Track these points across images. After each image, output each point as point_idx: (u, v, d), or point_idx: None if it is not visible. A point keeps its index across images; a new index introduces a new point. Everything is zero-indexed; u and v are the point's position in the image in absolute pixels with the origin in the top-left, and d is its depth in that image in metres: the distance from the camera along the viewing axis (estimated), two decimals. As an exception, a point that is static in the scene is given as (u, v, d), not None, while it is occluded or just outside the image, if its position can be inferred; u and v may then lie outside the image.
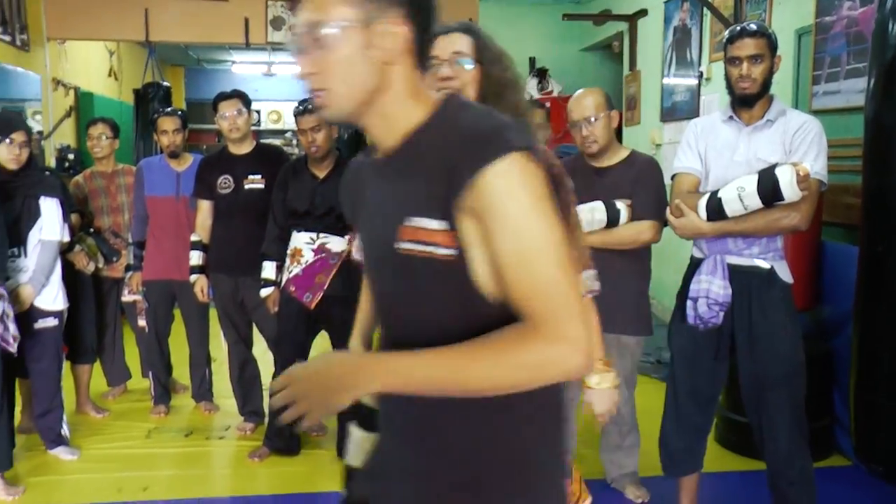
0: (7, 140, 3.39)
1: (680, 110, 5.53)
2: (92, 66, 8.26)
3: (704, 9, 4.99)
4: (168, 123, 4.15)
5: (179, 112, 4.26)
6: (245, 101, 3.85)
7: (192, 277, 3.95)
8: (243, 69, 11.52)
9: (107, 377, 4.74)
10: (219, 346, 4.48)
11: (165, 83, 7.54)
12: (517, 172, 1.11)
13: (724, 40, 2.70)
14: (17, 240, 3.43)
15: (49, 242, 3.53)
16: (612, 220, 2.89)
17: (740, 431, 3.49)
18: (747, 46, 2.58)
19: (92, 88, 8.03)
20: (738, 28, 2.68)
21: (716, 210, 2.57)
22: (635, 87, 6.37)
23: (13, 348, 3.29)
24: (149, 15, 7.03)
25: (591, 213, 2.90)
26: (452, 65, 1.78)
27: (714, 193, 2.59)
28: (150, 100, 7.31)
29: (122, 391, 4.81)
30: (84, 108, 7.57)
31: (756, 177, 2.49)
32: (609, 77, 7.49)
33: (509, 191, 1.10)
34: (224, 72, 11.80)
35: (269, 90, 11.31)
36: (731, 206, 2.54)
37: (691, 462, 2.92)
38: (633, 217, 2.91)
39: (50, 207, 3.52)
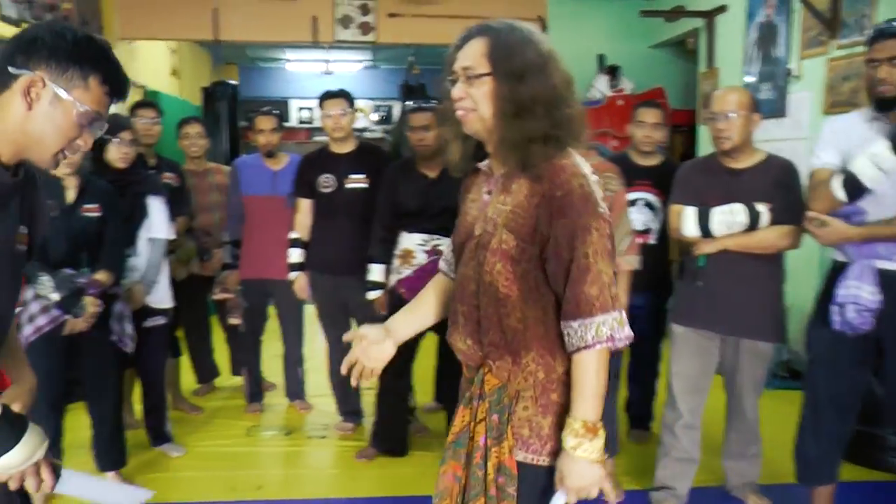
0: (116, 139, 3.42)
1: (764, 109, 5.40)
2: (156, 65, 8.32)
3: (793, 3, 4.91)
4: (265, 123, 4.16)
5: (276, 112, 4.27)
6: (350, 101, 3.84)
7: (292, 275, 3.95)
8: (298, 67, 11.57)
9: (196, 374, 4.78)
10: (308, 345, 4.49)
11: (233, 82, 7.59)
12: None
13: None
14: (129, 239, 3.45)
15: (158, 241, 3.56)
16: (753, 223, 2.83)
17: (864, 443, 3.45)
18: (887, 48, 2.52)
19: (157, 87, 8.10)
20: (878, 29, 2.62)
21: (852, 184, 2.50)
22: (712, 85, 6.28)
23: (130, 348, 3.32)
24: (217, 15, 7.07)
25: (731, 215, 2.85)
26: (464, 82, 1.62)
27: (845, 170, 2.53)
28: (217, 98, 7.37)
29: (211, 389, 4.85)
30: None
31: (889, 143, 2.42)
32: (681, 75, 7.40)
33: None
34: (278, 70, 11.86)
35: (326, 88, 11.35)
36: (867, 174, 2.46)
37: (828, 472, 2.86)
38: (773, 221, 2.84)
39: (156, 206, 3.55)
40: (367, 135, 11.59)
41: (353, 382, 1.83)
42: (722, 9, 5.97)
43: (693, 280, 2.98)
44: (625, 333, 1.58)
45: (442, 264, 1.95)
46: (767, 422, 3.42)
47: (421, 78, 8.32)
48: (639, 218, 3.59)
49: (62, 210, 3.11)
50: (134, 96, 7.39)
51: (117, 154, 3.43)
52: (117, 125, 3.49)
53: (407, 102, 3.54)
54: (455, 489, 1.71)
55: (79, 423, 3.51)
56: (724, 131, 2.87)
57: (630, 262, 3.10)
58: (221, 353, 4.86)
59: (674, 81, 7.29)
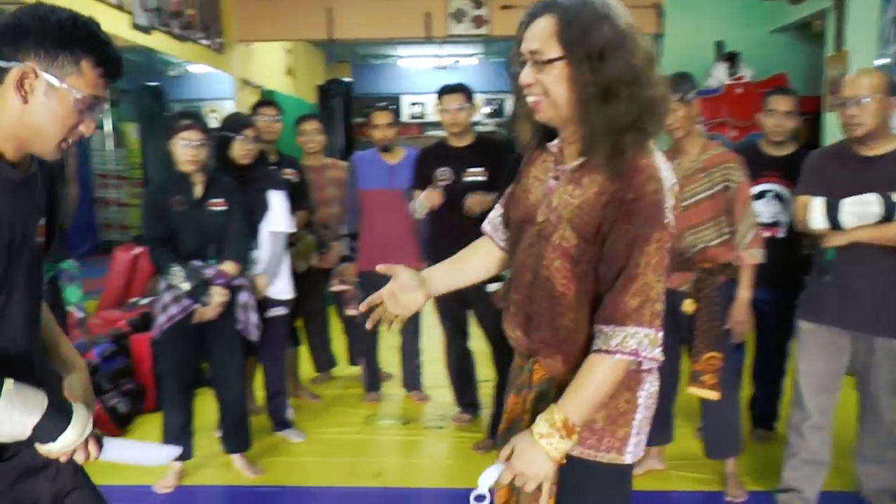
0: (240, 137, 3.54)
1: (901, 92, 5.12)
2: (272, 65, 8.60)
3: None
4: (381, 118, 4.22)
5: (392, 107, 4.33)
6: (468, 95, 3.85)
7: None
8: (409, 63, 11.72)
9: (315, 364, 4.91)
10: (426, 337, 4.54)
11: (347, 79, 7.76)
12: None
13: None
14: (252, 232, 3.57)
15: (278, 234, 3.66)
16: (888, 214, 2.65)
17: None
18: None
19: (273, 86, 8.37)
20: None
21: None
22: (840, 70, 5.97)
23: (255, 336, 3.45)
24: (332, 15, 7.24)
25: (864, 206, 2.67)
26: (532, 66, 1.50)
27: None
28: (333, 96, 7.55)
29: (328, 378, 4.97)
30: (267, 106, 7.93)
31: None
32: (804, 60, 7.07)
33: None
34: (390, 66, 12.04)
35: (438, 83, 11.47)
36: None
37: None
38: None
39: (278, 200, 3.65)
40: (479, 128, 11.64)
41: (369, 325, 1.74)
42: (855, -13, 5.67)
43: (821, 274, 2.83)
44: (653, 354, 1.49)
45: (488, 227, 1.86)
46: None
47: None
48: (766, 210, 3.46)
49: (190, 205, 3.26)
50: (251, 96, 7.69)
51: (241, 151, 3.55)
52: (240, 123, 3.63)
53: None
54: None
55: (205, 408, 3.67)
56: (856, 117, 2.70)
57: (753, 255, 3.00)
58: (339, 343, 4.98)
59: (797, 67, 6.97)
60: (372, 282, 4.26)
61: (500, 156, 3.77)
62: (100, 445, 1.57)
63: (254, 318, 3.44)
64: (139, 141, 7.10)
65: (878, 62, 5.33)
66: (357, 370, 4.77)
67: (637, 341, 1.46)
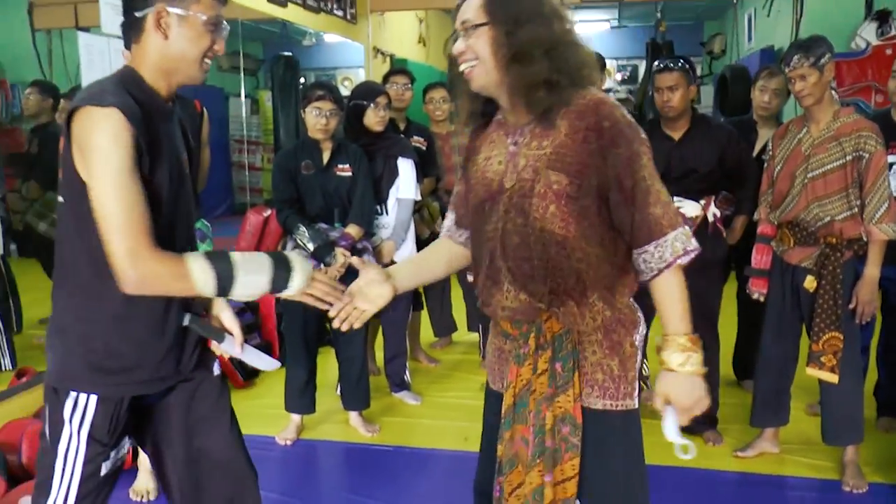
0: (373, 104, 3.63)
1: None
2: (404, 34, 8.70)
3: None
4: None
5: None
6: (601, 64, 3.78)
7: None
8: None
9: (434, 328, 5.01)
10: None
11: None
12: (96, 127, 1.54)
13: None
14: (379, 198, 3.68)
15: (406, 201, 3.75)
16: None
17: None
18: None
19: (404, 55, 8.47)
20: None
21: None
22: None
23: (379, 300, 3.55)
24: (464, -20, 7.23)
25: None
26: (464, 36, 1.62)
27: None
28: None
29: (448, 343, 5.07)
30: (396, 74, 8.04)
31: None
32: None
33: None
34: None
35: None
36: None
37: None
38: None
39: (406, 168, 3.73)
40: (612, 95, 11.39)
41: (337, 324, 1.77)
42: None
43: None
44: (693, 245, 1.59)
45: (445, 233, 1.92)
46: None
47: (668, 35, 8.01)
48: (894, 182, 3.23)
49: (318, 170, 3.39)
50: (383, 64, 7.82)
51: (374, 118, 3.64)
52: (373, 91, 3.71)
53: (655, 62, 3.38)
54: (525, 454, 1.65)
55: (326, 366, 3.82)
56: None
57: (885, 230, 2.81)
58: (459, 309, 5.06)
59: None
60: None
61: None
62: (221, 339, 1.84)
63: (376, 280, 3.54)
64: (273, 108, 7.37)
65: None
66: (476, 336, 4.84)
67: (681, 242, 1.57)
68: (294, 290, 1.69)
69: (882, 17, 6.43)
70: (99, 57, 3.75)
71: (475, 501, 1.92)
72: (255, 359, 1.96)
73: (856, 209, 2.85)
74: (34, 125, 4.39)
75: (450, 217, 1.90)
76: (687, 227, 1.60)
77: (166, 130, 1.70)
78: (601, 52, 3.94)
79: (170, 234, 1.67)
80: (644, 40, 8.74)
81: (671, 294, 1.60)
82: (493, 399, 1.84)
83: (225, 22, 1.72)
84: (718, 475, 3.18)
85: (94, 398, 1.69)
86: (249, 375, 4.26)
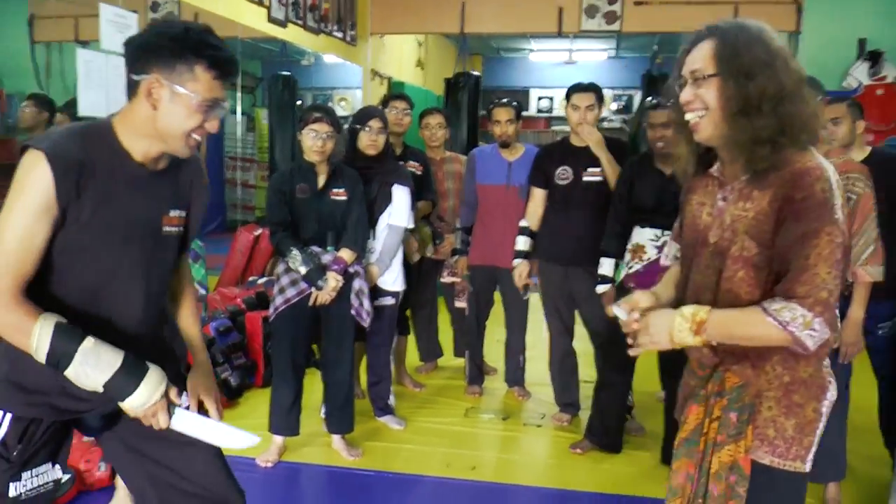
0: (366, 128, 3.65)
1: None
2: (403, 57, 8.76)
3: None
4: (502, 114, 4.23)
5: (514, 103, 4.33)
6: (599, 95, 3.82)
7: (516, 262, 4.02)
8: (540, 57, 11.68)
9: (420, 353, 5.01)
10: (531, 334, 4.54)
11: (475, 73, 7.81)
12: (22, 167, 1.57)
13: None
14: (370, 223, 3.68)
15: (396, 228, 3.75)
16: None
17: None
18: None
19: (402, 78, 8.53)
20: None
21: None
22: None
23: (367, 322, 3.55)
24: (465, 8, 7.31)
25: None
26: (693, 85, 1.63)
27: None
28: (460, 88, 7.62)
29: (434, 367, 5.06)
30: (394, 97, 8.09)
31: None
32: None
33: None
34: (521, 60, 12.04)
35: (568, 78, 11.39)
36: None
37: None
38: None
39: (401, 195, 3.73)
40: (605, 124, 11.46)
41: (634, 352, 1.76)
42: None
43: None
44: (800, 333, 1.51)
45: (667, 261, 2.02)
46: None
47: (665, 68, 8.07)
48: None
49: (313, 193, 3.40)
50: (380, 86, 7.87)
51: (367, 141, 3.65)
52: (366, 115, 3.73)
53: (648, 98, 3.42)
54: (688, 488, 1.72)
55: (311, 388, 3.79)
56: None
57: (871, 273, 2.83)
58: (446, 334, 5.06)
59: (950, 68, 6.51)
60: (482, 276, 4.36)
61: (621, 157, 3.74)
62: (171, 415, 1.71)
63: (367, 304, 3.55)
64: (269, 127, 7.39)
65: None
66: (462, 362, 4.83)
67: (791, 316, 1.52)
68: (128, 405, 1.63)
69: (874, 58, 6.53)
70: (96, 73, 3.77)
71: None
72: (223, 435, 1.84)
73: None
74: (28, 138, 4.39)
75: (675, 247, 1.99)
76: (814, 318, 1.52)
77: (123, 190, 1.65)
78: (598, 81, 3.99)
79: (94, 292, 1.67)
80: (640, 71, 8.80)
81: (743, 317, 1.59)
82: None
83: (224, 104, 1.68)
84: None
85: (9, 415, 1.68)
86: (232, 395, 4.24)
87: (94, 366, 1.57)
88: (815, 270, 1.51)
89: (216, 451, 1.91)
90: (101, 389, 1.60)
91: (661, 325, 1.64)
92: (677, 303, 1.78)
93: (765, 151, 1.56)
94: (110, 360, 1.59)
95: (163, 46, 1.60)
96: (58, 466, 1.79)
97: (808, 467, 1.66)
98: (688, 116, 1.64)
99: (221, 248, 6.28)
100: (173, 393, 1.71)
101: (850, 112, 3.14)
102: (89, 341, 1.57)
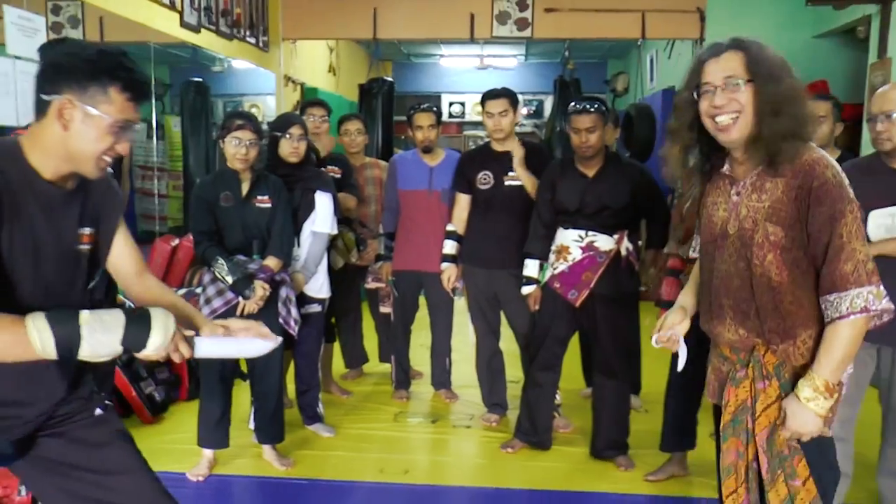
0: (286, 135, 3.62)
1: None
2: (315, 63, 8.70)
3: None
4: (424, 119, 4.27)
5: (435, 108, 4.37)
6: (513, 101, 3.89)
7: (443, 266, 4.07)
8: (451, 62, 11.77)
9: (345, 359, 5.00)
10: (457, 337, 4.59)
11: (388, 79, 7.83)
12: None
13: None
14: (296, 230, 3.65)
15: (320, 234, 3.74)
16: (917, 228, 2.67)
17: None
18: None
19: (315, 84, 8.47)
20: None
21: None
22: (883, 77, 5.91)
23: (294, 330, 3.53)
24: (377, 14, 7.32)
25: (892, 219, 2.70)
26: (725, 90, 1.81)
27: None
28: (374, 95, 7.62)
29: (360, 374, 5.06)
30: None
31: None
32: (846, 66, 7.00)
33: None
34: (432, 65, 12.10)
35: (479, 83, 11.50)
36: None
37: None
38: None
39: (324, 202, 3.72)
40: (518, 129, 11.62)
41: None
42: (900, -7, 5.60)
43: None
44: (881, 305, 1.71)
45: (697, 252, 2.15)
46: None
47: (576, 73, 8.27)
48: None
49: (237, 201, 3.35)
50: (293, 92, 7.80)
51: (288, 149, 3.63)
52: (287, 122, 3.71)
53: (571, 103, 3.51)
54: (741, 465, 1.89)
55: (238, 401, 3.73)
56: (883, 133, 2.71)
57: None
58: (371, 340, 5.06)
59: (840, 73, 6.91)
60: (407, 281, 4.39)
61: (542, 162, 3.82)
62: (191, 345, 1.69)
63: (294, 312, 3.52)
64: (182, 134, 7.21)
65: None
66: (387, 367, 4.85)
67: (863, 299, 1.70)
68: (151, 349, 1.60)
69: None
70: (3, 78, 3.62)
71: None
72: (247, 346, 1.85)
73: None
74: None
75: (699, 239, 2.12)
76: (878, 288, 1.71)
77: (35, 210, 1.63)
78: (510, 86, 4.07)
79: (28, 308, 1.59)
80: (550, 76, 8.99)
81: (834, 341, 1.75)
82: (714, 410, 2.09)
83: (136, 126, 1.68)
84: (631, 498, 3.30)
85: None
86: (157, 411, 4.14)
87: (103, 331, 1.53)
88: (853, 246, 1.72)
89: (149, 473, 1.89)
90: (120, 348, 1.56)
91: (808, 419, 1.78)
92: (697, 297, 2.04)
93: (789, 146, 1.76)
94: (114, 319, 1.56)
95: (76, 67, 1.59)
96: None
97: (831, 432, 1.86)
98: (721, 119, 1.81)
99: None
100: (182, 329, 1.68)
101: (833, 112, 3.32)
102: (85, 314, 1.53)
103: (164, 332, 1.59)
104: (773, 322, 1.84)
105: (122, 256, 1.91)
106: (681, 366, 2.01)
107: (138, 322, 1.57)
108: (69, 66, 1.60)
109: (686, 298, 2.14)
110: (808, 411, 1.77)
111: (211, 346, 1.77)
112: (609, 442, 3.60)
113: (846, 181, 1.77)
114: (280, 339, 1.86)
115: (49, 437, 1.81)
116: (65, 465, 1.80)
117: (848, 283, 1.71)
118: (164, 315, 1.61)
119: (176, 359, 1.65)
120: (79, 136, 1.61)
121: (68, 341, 1.50)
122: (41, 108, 1.62)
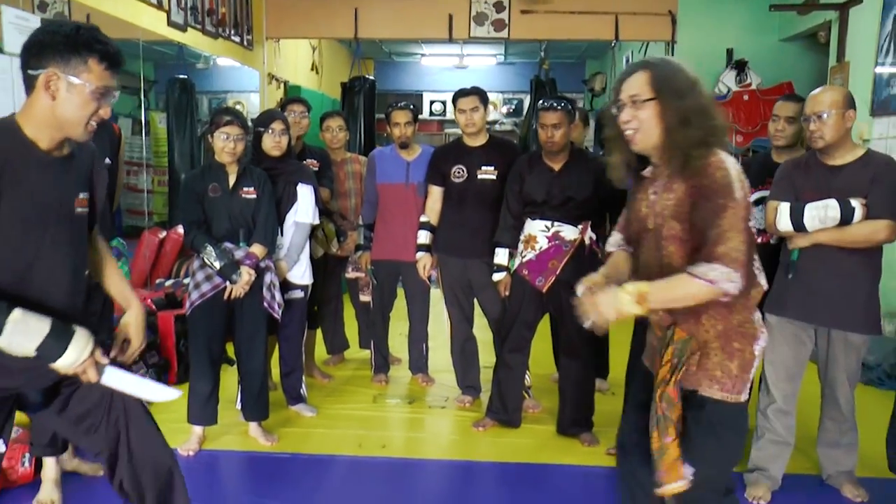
0: (269, 130, 3.84)
1: (896, 105, 5.35)
2: (298, 61, 8.89)
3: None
4: (400, 116, 4.49)
5: (412, 106, 4.59)
6: (483, 98, 4.12)
7: (418, 255, 4.30)
8: (432, 62, 11.98)
9: (327, 346, 5.21)
10: (433, 324, 4.82)
11: (370, 77, 8.04)
12: None
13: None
14: (279, 220, 3.86)
15: (303, 224, 3.95)
16: (846, 218, 2.90)
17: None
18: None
19: (298, 82, 8.65)
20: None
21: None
22: (842, 79, 6.20)
23: (278, 314, 3.75)
24: (358, 14, 7.53)
25: (825, 210, 2.94)
26: (631, 107, 2.03)
27: None
28: (356, 93, 7.84)
29: (341, 360, 5.28)
30: (291, 100, 8.21)
31: None
32: (810, 69, 7.30)
33: None
34: (413, 64, 12.31)
35: (459, 82, 11.70)
36: None
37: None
38: (869, 216, 2.91)
39: (305, 193, 3.94)
40: (497, 127, 11.87)
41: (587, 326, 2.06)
42: (856, 0, 5.89)
43: (786, 273, 3.11)
44: (726, 287, 1.89)
45: (617, 247, 2.36)
46: (870, 418, 3.48)
47: (552, 72, 8.52)
48: (762, 217, 3.52)
49: (224, 192, 3.57)
50: (277, 90, 7.99)
51: (270, 143, 3.85)
52: (269, 117, 3.92)
53: (540, 101, 3.76)
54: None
55: (225, 383, 3.94)
56: (816, 132, 2.98)
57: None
58: (352, 328, 5.28)
59: (804, 75, 7.20)
60: (385, 270, 4.61)
61: (510, 156, 4.06)
62: (100, 371, 1.93)
63: (278, 296, 3.74)
64: (167, 130, 7.37)
65: (877, 71, 5.57)
66: (367, 354, 5.06)
67: (716, 275, 1.89)
68: (61, 364, 1.84)
69: (739, 67, 7.15)
70: (2, 75, 3.80)
71: (617, 452, 2.43)
72: (148, 389, 2.06)
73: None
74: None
75: (619, 236, 2.35)
76: (734, 272, 1.89)
77: (35, 176, 1.85)
78: (488, 85, 4.30)
79: (23, 272, 1.86)
80: (529, 76, 9.23)
81: (674, 282, 1.96)
82: (640, 374, 2.33)
83: (114, 92, 1.90)
84: (594, 470, 3.55)
85: None
86: (148, 391, 4.33)
87: (23, 333, 1.78)
88: (728, 236, 1.90)
89: (147, 415, 2.16)
90: (33, 354, 1.80)
91: (608, 302, 1.98)
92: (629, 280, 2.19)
93: (696, 153, 1.97)
94: (38, 328, 1.80)
95: (58, 43, 1.81)
96: (1, 440, 1.96)
97: (744, 397, 2.07)
98: (627, 132, 2.05)
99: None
100: (98, 353, 1.92)
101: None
102: (17, 312, 1.77)
103: (79, 353, 1.85)
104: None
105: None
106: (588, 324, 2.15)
107: (59, 338, 1.82)
108: (51, 42, 1.82)
109: (606, 269, 2.31)
110: (615, 299, 1.96)
111: (117, 377, 1.98)
112: (573, 419, 3.85)
113: (736, 182, 1.94)
114: (178, 392, 2.12)
115: (67, 387, 2.05)
116: (83, 412, 2.06)
117: (714, 258, 1.90)
118: (86, 339, 1.87)
119: (83, 380, 1.91)
120: (65, 103, 1.83)
121: None
122: (30, 83, 1.85)
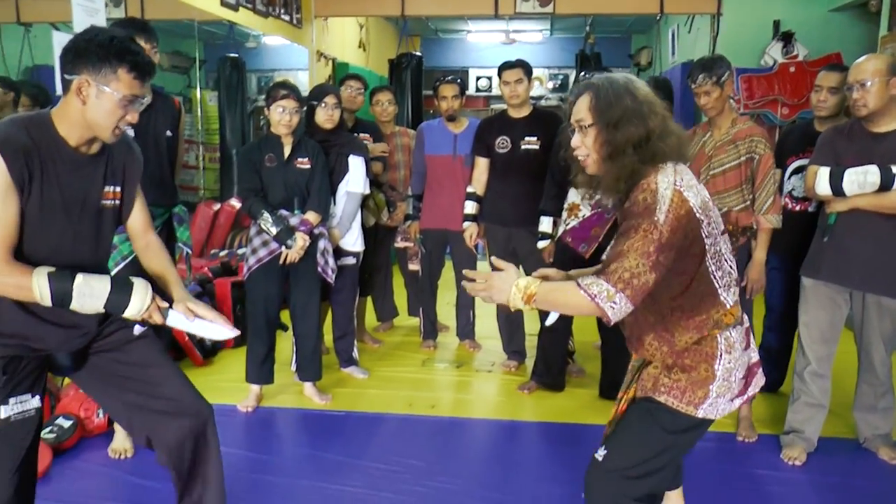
0: (322, 104, 4.00)
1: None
2: (346, 38, 9.03)
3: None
4: (448, 90, 4.62)
5: (459, 80, 4.71)
6: (527, 70, 4.23)
7: (465, 224, 4.43)
8: (478, 38, 12.02)
9: (377, 313, 5.40)
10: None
11: (417, 53, 8.15)
12: None
13: None
14: (332, 189, 4.03)
15: (354, 194, 4.11)
16: (886, 185, 2.94)
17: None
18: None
19: (346, 59, 8.80)
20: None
21: None
22: (893, 49, 6.14)
23: (332, 279, 3.93)
24: (405, -10, 7.63)
25: (864, 176, 2.98)
26: (579, 132, 1.96)
27: None
28: (404, 69, 7.97)
29: (390, 327, 5.46)
30: (340, 77, 8.37)
31: None
32: (860, 39, 7.19)
33: None
34: (459, 41, 12.36)
35: (505, 58, 11.74)
36: None
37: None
38: None
39: (357, 164, 4.10)
40: (544, 102, 11.88)
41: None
42: (910, -33, 5.81)
43: (823, 236, 3.16)
44: (608, 310, 1.82)
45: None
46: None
47: (598, 47, 8.53)
48: (801, 185, 3.62)
49: (280, 163, 3.74)
50: (325, 67, 8.15)
51: (323, 116, 4.01)
52: (322, 92, 4.08)
53: (581, 74, 3.84)
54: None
55: (280, 347, 4.14)
56: (859, 100, 3.00)
57: (770, 220, 3.31)
58: (401, 297, 5.45)
59: (853, 47, 7.09)
60: (433, 239, 4.76)
61: (554, 126, 4.16)
62: (164, 315, 2.12)
63: (332, 262, 3.92)
64: (218, 108, 7.58)
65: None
66: (416, 321, 5.23)
67: (598, 290, 1.82)
68: (129, 314, 2.03)
69: (786, 38, 7.09)
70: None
71: None
72: (209, 329, 2.20)
73: (749, 202, 3.34)
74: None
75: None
76: (616, 293, 1.81)
77: (63, 171, 1.98)
78: (535, 60, 4.39)
79: (48, 258, 2.00)
80: (574, 51, 9.24)
81: (561, 290, 1.89)
82: None
83: (142, 100, 2.02)
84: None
85: None
86: (208, 354, 4.57)
87: (90, 295, 1.98)
88: (627, 256, 1.82)
89: (179, 373, 2.33)
90: (103, 310, 2.02)
91: (501, 290, 1.95)
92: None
93: (623, 186, 1.91)
94: (101, 286, 2.00)
95: (91, 51, 1.93)
96: (37, 397, 2.14)
97: (699, 413, 1.99)
98: (578, 156, 1.99)
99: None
100: (159, 299, 2.12)
101: (844, 83, 3.33)
102: (79, 277, 1.97)
103: (142, 300, 2.04)
104: (628, 330, 2.11)
105: (134, 213, 2.29)
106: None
107: (120, 290, 2.02)
108: (86, 51, 1.93)
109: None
110: (508, 291, 1.92)
111: (180, 319, 2.16)
112: (614, 384, 3.94)
113: (661, 206, 1.82)
114: (237, 331, 2.23)
115: (98, 353, 2.24)
116: (114, 375, 2.25)
117: (604, 273, 1.84)
118: (144, 287, 2.06)
119: (151, 322, 2.10)
120: (95, 109, 1.95)
121: (61, 297, 1.94)
122: (66, 86, 1.99)
